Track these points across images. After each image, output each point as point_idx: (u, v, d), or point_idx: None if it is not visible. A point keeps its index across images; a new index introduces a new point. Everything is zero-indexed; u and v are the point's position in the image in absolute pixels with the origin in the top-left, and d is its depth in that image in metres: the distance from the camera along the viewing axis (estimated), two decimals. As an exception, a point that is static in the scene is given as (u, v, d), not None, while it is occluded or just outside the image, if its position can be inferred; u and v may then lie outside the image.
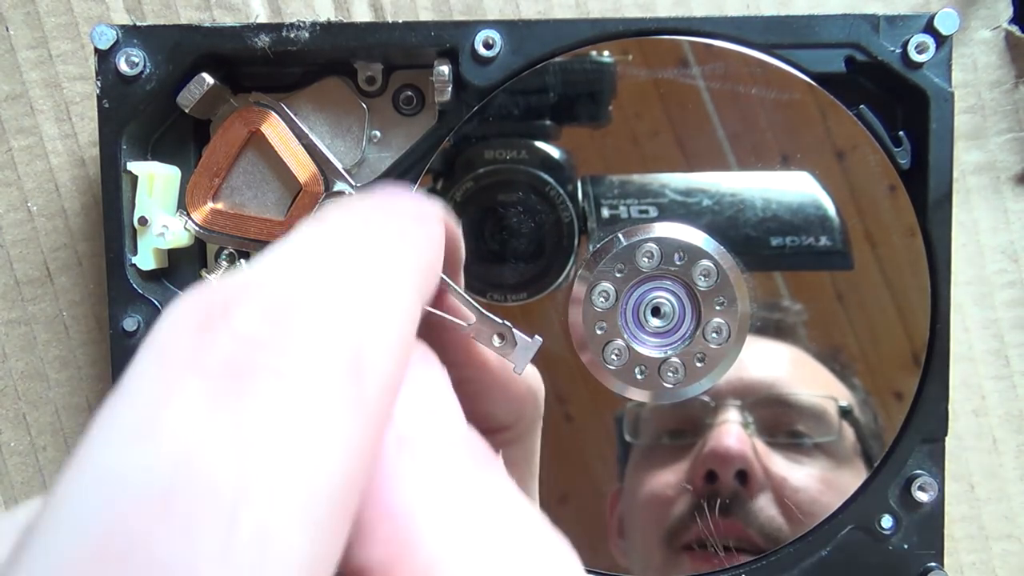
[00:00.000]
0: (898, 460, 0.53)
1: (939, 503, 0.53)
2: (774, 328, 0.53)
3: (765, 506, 0.53)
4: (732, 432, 0.53)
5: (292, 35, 0.50)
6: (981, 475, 0.59)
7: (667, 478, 0.54)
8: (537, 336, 0.53)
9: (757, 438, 0.53)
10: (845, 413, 0.53)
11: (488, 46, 0.50)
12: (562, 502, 0.54)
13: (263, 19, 0.57)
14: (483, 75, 0.51)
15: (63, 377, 0.58)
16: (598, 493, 0.54)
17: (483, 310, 0.52)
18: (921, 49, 0.50)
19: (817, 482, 0.53)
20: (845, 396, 0.53)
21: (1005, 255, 0.58)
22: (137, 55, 0.50)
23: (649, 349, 0.53)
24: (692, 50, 0.51)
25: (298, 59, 0.52)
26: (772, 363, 0.53)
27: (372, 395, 0.18)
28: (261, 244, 0.52)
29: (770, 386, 0.53)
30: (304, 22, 0.50)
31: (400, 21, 0.51)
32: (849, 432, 0.53)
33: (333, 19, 0.53)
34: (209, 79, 0.50)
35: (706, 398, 0.53)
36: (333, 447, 0.17)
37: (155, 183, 0.51)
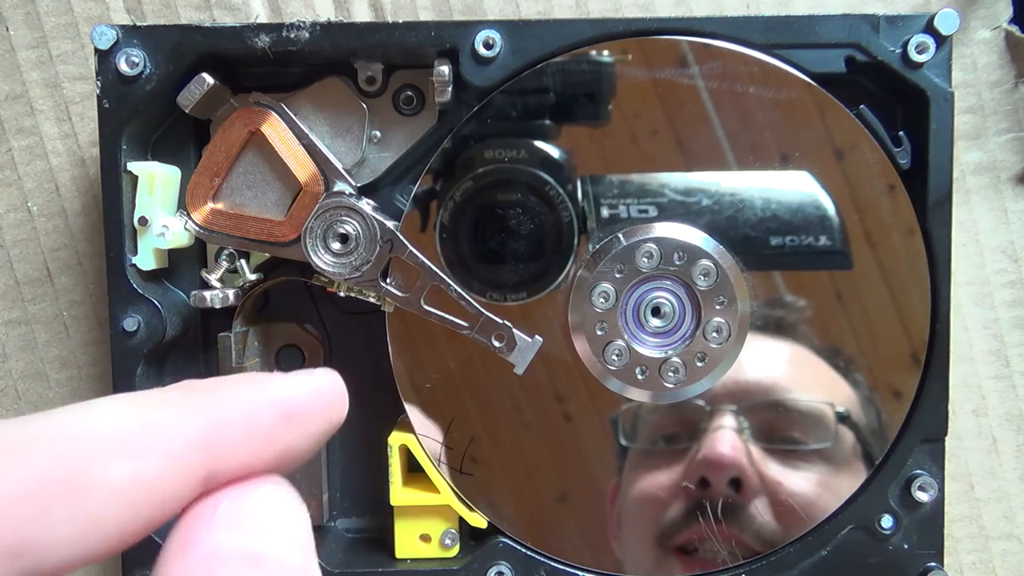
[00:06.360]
0: (898, 460, 0.53)
1: (939, 503, 0.53)
2: (774, 327, 0.53)
3: (760, 512, 0.53)
4: (726, 439, 0.53)
5: (292, 35, 0.50)
6: (981, 475, 0.59)
7: (661, 481, 0.54)
8: (537, 336, 0.54)
9: (752, 443, 0.53)
10: (843, 419, 0.53)
11: (488, 46, 0.50)
12: (562, 501, 0.54)
13: (263, 19, 0.57)
14: (483, 75, 0.51)
15: (63, 377, 0.58)
16: (598, 493, 0.54)
17: (483, 310, 0.52)
18: (921, 49, 0.50)
19: (814, 486, 0.53)
20: (845, 397, 0.53)
21: (1005, 255, 0.58)
22: (137, 55, 0.50)
23: (649, 349, 0.53)
24: (692, 50, 0.51)
25: (298, 59, 0.52)
26: (769, 365, 0.53)
27: None
28: (261, 244, 0.52)
29: (766, 390, 0.53)
30: (304, 22, 0.50)
31: (400, 21, 0.51)
32: (848, 436, 0.53)
33: (333, 19, 0.53)
34: (209, 79, 0.50)
35: (701, 402, 0.53)
36: None
37: (155, 183, 0.51)
